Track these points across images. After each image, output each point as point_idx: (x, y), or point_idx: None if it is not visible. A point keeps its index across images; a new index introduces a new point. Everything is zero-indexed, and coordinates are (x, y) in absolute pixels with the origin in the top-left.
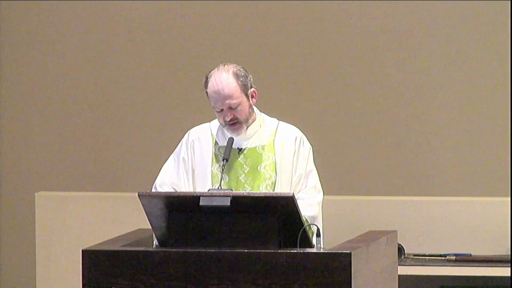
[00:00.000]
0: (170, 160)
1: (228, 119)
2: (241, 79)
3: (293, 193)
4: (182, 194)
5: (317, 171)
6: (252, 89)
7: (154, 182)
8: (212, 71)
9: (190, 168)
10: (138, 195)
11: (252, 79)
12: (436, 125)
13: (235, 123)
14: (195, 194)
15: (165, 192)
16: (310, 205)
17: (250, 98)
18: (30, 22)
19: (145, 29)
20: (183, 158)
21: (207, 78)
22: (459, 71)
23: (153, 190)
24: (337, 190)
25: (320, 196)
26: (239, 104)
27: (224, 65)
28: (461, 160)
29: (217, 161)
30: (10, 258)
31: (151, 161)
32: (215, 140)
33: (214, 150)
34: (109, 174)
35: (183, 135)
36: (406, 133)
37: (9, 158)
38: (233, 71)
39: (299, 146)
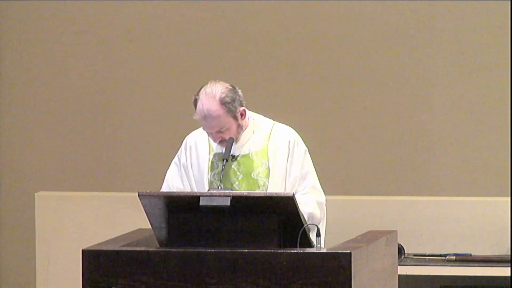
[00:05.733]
0: (173, 167)
1: (216, 141)
2: (228, 106)
3: (293, 193)
4: (182, 194)
5: (316, 172)
6: (242, 108)
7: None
8: (200, 93)
9: (191, 175)
10: (138, 195)
11: (241, 96)
12: (436, 125)
13: (223, 141)
14: (195, 194)
15: (165, 192)
16: (308, 202)
17: (239, 118)
18: (30, 22)
19: (145, 29)
20: (183, 164)
21: (196, 100)
22: (459, 71)
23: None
24: (337, 190)
25: (320, 195)
26: (227, 129)
27: (211, 88)
28: (461, 160)
29: (213, 168)
30: (10, 258)
31: (151, 161)
32: (211, 147)
33: (210, 157)
34: (109, 174)
35: (183, 138)
36: (406, 133)
37: (9, 158)
38: (220, 98)
39: (293, 149)
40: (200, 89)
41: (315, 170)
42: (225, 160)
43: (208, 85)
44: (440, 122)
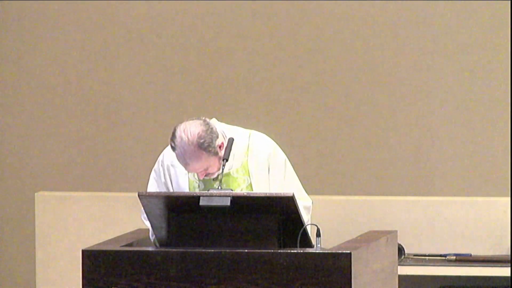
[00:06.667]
0: (153, 184)
1: (202, 177)
2: (208, 149)
3: (293, 193)
4: (182, 194)
5: (298, 178)
6: (220, 142)
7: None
8: (176, 141)
9: None
10: (138, 195)
11: (216, 130)
12: (436, 125)
13: (209, 174)
14: (195, 194)
15: (165, 192)
16: None
17: (219, 152)
18: (30, 21)
19: (145, 29)
20: (164, 183)
21: (173, 147)
22: (459, 70)
23: (142, 216)
24: (337, 190)
25: (306, 200)
26: (209, 166)
27: (186, 134)
28: (461, 160)
29: (193, 187)
30: (10, 258)
31: (151, 161)
32: None
33: (189, 177)
34: (109, 174)
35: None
36: (406, 133)
37: (9, 158)
38: (198, 144)
39: (274, 162)
40: (174, 133)
41: (318, 170)
42: (225, 160)
43: (182, 130)
44: (440, 122)
